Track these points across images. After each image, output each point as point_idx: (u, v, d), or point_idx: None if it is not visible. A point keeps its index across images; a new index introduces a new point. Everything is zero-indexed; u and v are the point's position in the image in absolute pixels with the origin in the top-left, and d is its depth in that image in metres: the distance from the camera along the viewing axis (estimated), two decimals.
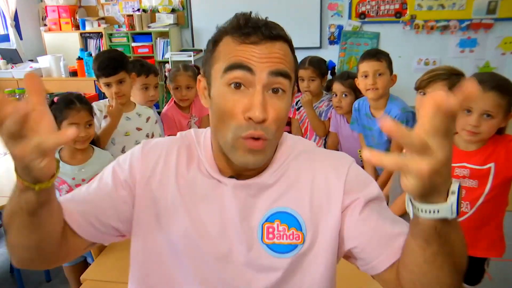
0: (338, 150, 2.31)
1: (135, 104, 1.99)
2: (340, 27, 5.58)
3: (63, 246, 0.78)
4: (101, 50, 5.61)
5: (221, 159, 0.85)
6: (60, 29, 5.61)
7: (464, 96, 0.51)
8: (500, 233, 1.44)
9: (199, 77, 0.88)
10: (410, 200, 0.61)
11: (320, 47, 5.61)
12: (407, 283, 0.72)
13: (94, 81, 4.01)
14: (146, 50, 5.41)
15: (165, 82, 2.38)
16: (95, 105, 1.88)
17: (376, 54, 1.96)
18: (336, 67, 5.04)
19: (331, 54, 5.63)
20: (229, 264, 0.82)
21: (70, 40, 5.59)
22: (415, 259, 0.68)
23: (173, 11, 5.63)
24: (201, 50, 5.66)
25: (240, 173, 0.84)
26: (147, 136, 1.99)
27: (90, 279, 1.46)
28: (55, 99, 1.70)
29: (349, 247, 0.81)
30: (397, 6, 5.38)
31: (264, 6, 5.44)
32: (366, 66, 1.93)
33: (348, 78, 2.12)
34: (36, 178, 0.61)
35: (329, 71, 2.35)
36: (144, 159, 0.87)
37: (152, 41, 5.43)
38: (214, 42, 0.82)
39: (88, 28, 5.55)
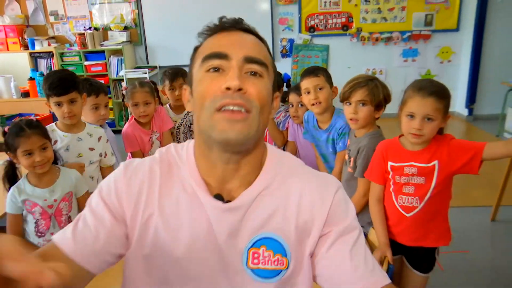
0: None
1: (85, 124, 1.98)
2: (291, 41, 5.80)
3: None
4: (52, 69, 5.49)
5: (204, 165, 0.82)
6: (8, 49, 5.42)
7: None
8: (447, 224, 1.59)
9: (184, 86, 0.88)
10: None
11: (272, 58, 5.79)
12: None
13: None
14: (100, 68, 5.36)
15: (122, 100, 2.40)
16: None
17: (314, 71, 2.08)
18: (290, 79, 5.23)
19: (284, 66, 5.82)
20: (216, 283, 0.81)
21: (19, 60, 5.42)
22: None
23: (125, 28, 5.63)
24: (155, 67, 5.69)
25: (226, 181, 0.81)
26: (100, 155, 1.99)
27: None
28: (6, 128, 1.68)
29: (315, 273, 0.83)
30: (343, 20, 5.68)
31: (214, 21, 5.55)
32: (306, 83, 2.05)
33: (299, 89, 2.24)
34: None
35: (285, 83, 2.46)
36: (128, 188, 0.82)
37: (105, 59, 5.38)
38: (196, 48, 0.85)
39: (38, 48, 5.41)
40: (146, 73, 5.23)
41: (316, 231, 0.81)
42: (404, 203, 1.55)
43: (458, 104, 5.83)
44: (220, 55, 0.75)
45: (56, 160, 1.77)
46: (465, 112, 5.66)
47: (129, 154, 2.34)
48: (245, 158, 0.80)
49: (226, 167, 0.80)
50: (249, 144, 0.77)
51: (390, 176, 1.58)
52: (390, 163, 1.57)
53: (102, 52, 5.39)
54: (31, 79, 3.92)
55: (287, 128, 2.39)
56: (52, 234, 1.62)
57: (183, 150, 0.87)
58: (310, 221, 0.81)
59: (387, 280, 0.80)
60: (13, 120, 3.70)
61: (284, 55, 5.87)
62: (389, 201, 1.60)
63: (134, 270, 0.82)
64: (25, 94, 4.00)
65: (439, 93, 1.42)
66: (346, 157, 1.88)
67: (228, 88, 0.72)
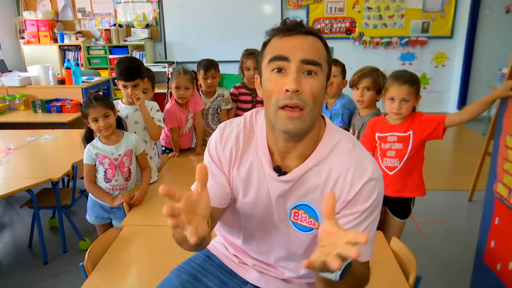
0: None
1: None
2: None
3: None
4: (79, 61, 5.99)
5: (271, 138, 1.04)
6: (39, 42, 5.94)
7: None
8: (421, 179, 2.07)
9: (255, 75, 1.09)
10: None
11: None
12: None
13: (82, 88, 4.42)
14: None
15: (167, 83, 2.89)
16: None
17: (333, 61, 2.59)
18: None
19: None
20: (269, 224, 1.11)
21: (49, 52, 5.94)
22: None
23: (147, 26, 6.13)
24: (173, 62, 6.19)
25: (286, 153, 1.03)
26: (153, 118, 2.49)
27: (129, 225, 1.91)
28: (81, 101, 2.17)
29: None
30: (347, 24, 6.19)
31: (232, 22, 6.08)
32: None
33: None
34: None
35: None
36: (223, 152, 1.09)
37: (128, 53, 5.88)
38: (264, 44, 1.02)
39: (66, 41, 5.92)
40: (165, 67, 5.73)
41: (341, 203, 1.01)
42: (387, 164, 2.05)
43: (451, 105, 6.31)
44: (282, 57, 0.94)
45: (122, 126, 2.26)
46: None
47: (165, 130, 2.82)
48: (303, 138, 1.01)
49: (287, 144, 1.02)
50: (305, 131, 0.98)
51: (377, 145, 2.08)
52: (377, 134, 2.06)
53: (126, 47, 5.90)
54: (67, 68, 4.40)
55: None
56: (117, 181, 2.13)
57: (260, 118, 1.10)
58: (339, 194, 1.00)
59: (365, 259, 1.01)
60: (51, 103, 4.19)
61: None
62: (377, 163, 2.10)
63: (227, 209, 1.15)
64: (61, 82, 4.47)
65: (411, 81, 1.92)
66: (351, 131, 2.38)
67: (287, 90, 0.91)
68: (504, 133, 1.74)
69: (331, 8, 6.15)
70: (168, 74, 2.84)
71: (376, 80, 2.22)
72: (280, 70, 0.94)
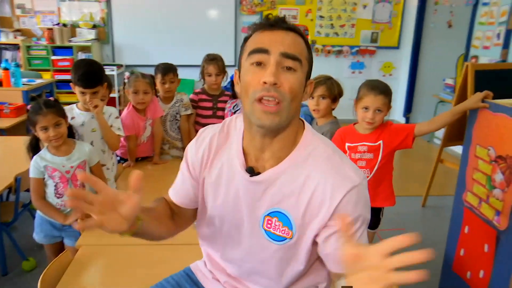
0: None
1: None
2: None
3: (178, 220, 1.15)
4: (17, 61, 5.54)
5: (247, 136, 1.02)
6: None
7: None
8: (391, 189, 2.08)
9: (235, 70, 1.05)
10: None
11: (234, 65, 6.20)
12: None
13: (22, 91, 4.06)
14: (67, 63, 5.49)
15: (123, 88, 2.70)
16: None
17: (325, 82, 2.44)
18: None
19: None
20: (240, 232, 1.06)
21: None
22: None
23: (94, 26, 5.81)
24: (121, 65, 5.91)
25: (262, 151, 0.99)
26: (111, 126, 2.30)
27: (86, 245, 1.73)
28: (29, 107, 1.96)
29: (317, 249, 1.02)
30: None
31: (185, 25, 5.92)
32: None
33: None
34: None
35: None
36: (196, 155, 1.09)
37: (73, 54, 5.54)
38: (245, 39, 0.99)
39: (3, 40, 5.46)
40: (114, 70, 5.45)
41: (321, 221, 0.95)
42: None
43: (397, 113, 6.56)
44: (262, 50, 0.91)
45: (73, 134, 2.06)
46: (402, 120, 6.40)
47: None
48: (279, 134, 0.97)
49: (263, 140, 0.97)
50: (281, 127, 0.95)
51: (347, 155, 2.05)
52: (347, 144, 2.04)
53: (70, 48, 5.54)
54: (5, 69, 4.02)
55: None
56: None
57: (241, 122, 1.06)
58: (316, 211, 0.95)
59: None
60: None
61: None
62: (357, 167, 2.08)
63: (199, 212, 1.15)
64: None
65: (386, 91, 1.92)
66: None
67: (265, 82, 0.89)
68: (474, 143, 1.77)
69: (284, 15, 6.14)
70: (124, 78, 2.66)
71: (331, 88, 2.21)
72: (259, 63, 0.92)
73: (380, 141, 1.97)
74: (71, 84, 2.17)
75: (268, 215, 1.00)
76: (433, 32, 6.01)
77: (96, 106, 2.11)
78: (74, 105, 2.24)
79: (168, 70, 2.73)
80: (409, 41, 6.19)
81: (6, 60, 4.26)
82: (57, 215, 1.94)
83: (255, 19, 6.09)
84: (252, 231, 1.04)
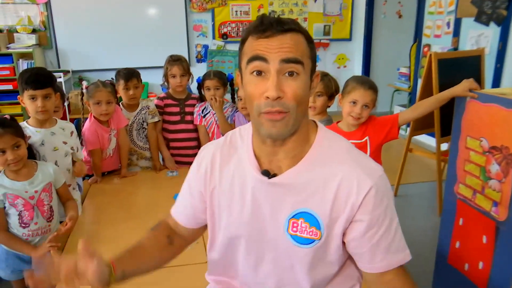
0: None
1: (56, 119, 2.05)
2: (205, 46, 6.08)
3: (177, 243, 1.12)
4: None
5: (256, 141, 0.98)
6: None
7: None
8: None
9: (236, 71, 1.01)
10: None
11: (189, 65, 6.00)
12: None
13: None
14: (8, 72, 5.04)
15: (81, 98, 2.47)
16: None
17: None
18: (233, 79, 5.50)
19: (199, 71, 6.05)
20: (262, 244, 1.00)
21: None
22: None
23: (34, 31, 5.37)
24: (68, 71, 5.52)
25: (274, 155, 0.95)
26: (72, 149, 2.06)
27: None
28: None
29: (345, 247, 0.98)
30: None
31: (133, 26, 5.62)
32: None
33: None
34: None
35: (229, 82, 2.76)
36: (198, 172, 1.07)
37: (13, 62, 5.07)
38: (242, 41, 0.94)
39: None
40: (61, 77, 5.06)
41: (348, 216, 0.92)
42: None
43: None
44: (260, 58, 0.87)
45: (33, 155, 1.83)
46: None
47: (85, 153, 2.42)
48: (290, 137, 0.93)
49: (274, 143, 0.94)
50: (291, 133, 0.92)
51: None
52: None
53: (9, 55, 5.07)
54: None
55: (234, 121, 2.69)
56: (36, 223, 1.72)
57: (246, 131, 1.04)
58: (343, 206, 0.92)
59: (397, 264, 0.95)
60: None
61: (199, 60, 6.13)
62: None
63: (209, 226, 1.09)
64: None
65: (374, 88, 1.89)
66: None
67: (268, 97, 0.86)
68: (463, 134, 1.76)
69: (236, 11, 6.05)
70: (82, 88, 2.42)
71: (328, 85, 2.14)
72: (259, 73, 0.88)
73: (366, 137, 1.92)
74: (18, 97, 1.93)
75: (293, 217, 0.95)
76: (384, 22, 6.14)
77: (46, 111, 1.92)
78: (24, 122, 1.97)
79: (131, 75, 2.52)
80: (360, 32, 6.28)
81: None
82: (25, 247, 1.71)
83: (206, 16, 5.92)
84: (277, 239, 0.97)
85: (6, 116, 1.78)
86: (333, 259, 0.98)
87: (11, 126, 1.69)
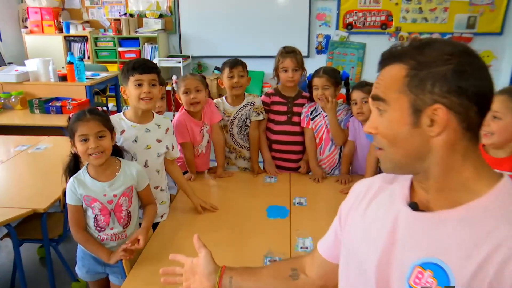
0: (354, 158, 2.33)
1: (153, 114, 1.89)
2: (327, 37, 5.66)
3: (292, 284, 1.04)
4: (85, 54, 5.46)
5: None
6: (43, 32, 5.40)
7: None
8: None
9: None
10: None
11: (308, 56, 5.66)
12: None
13: (86, 86, 3.88)
14: (134, 55, 5.31)
15: (173, 94, 2.34)
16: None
17: (365, 85, 2.18)
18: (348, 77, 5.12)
19: (318, 63, 5.69)
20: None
21: (53, 43, 5.40)
22: None
23: (160, 16, 5.55)
24: (188, 57, 5.61)
25: (423, 197, 0.81)
26: (167, 148, 1.90)
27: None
28: (70, 114, 1.61)
29: None
30: (383, 18, 5.52)
31: (254, 14, 5.46)
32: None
33: (366, 85, 2.17)
34: None
35: (343, 81, 2.36)
36: (349, 196, 0.98)
37: (139, 46, 5.33)
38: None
39: (72, 32, 5.38)
40: (180, 62, 5.16)
41: (497, 285, 0.67)
42: None
43: None
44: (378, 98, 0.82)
45: (121, 154, 1.69)
46: None
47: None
48: (428, 179, 0.78)
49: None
50: (399, 172, 0.85)
51: None
52: None
53: (137, 39, 5.34)
54: (70, 63, 3.85)
55: (348, 127, 2.29)
56: (112, 229, 1.57)
57: None
58: (489, 276, 0.67)
59: None
60: (50, 103, 3.66)
61: (319, 52, 5.75)
62: None
63: (341, 253, 0.96)
64: (63, 78, 3.94)
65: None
66: None
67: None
68: None
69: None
70: (172, 83, 2.26)
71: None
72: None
73: None
74: (121, 88, 1.80)
75: (420, 265, 0.73)
76: None
77: (151, 98, 1.76)
78: (121, 113, 1.84)
79: (235, 63, 2.30)
80: None
81: (72, 54, 4.09)
82: (101, 252, 1.58)
83: (332, 4, 5.49)
84: (393, 283, 0.77)
85: (100, 108, 1.67)
86: None
87: (99, 114, 1.58)
